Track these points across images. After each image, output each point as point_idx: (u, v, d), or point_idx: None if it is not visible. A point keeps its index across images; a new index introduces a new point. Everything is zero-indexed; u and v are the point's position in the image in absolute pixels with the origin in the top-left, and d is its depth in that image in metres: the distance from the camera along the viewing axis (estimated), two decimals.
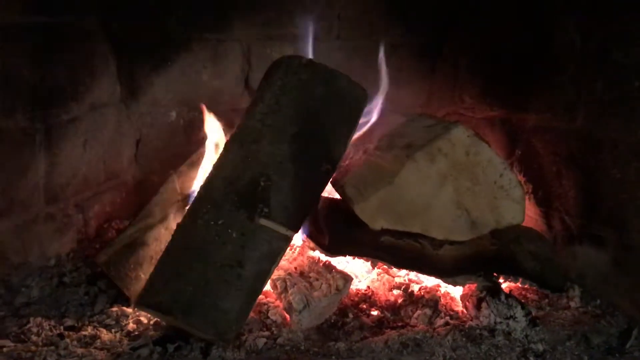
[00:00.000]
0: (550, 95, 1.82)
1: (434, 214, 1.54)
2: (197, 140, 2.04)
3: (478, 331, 1.52)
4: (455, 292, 1.70)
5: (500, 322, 1.53)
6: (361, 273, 1.78)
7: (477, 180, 1.54)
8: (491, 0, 2.04)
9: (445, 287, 1.71)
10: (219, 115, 1.93)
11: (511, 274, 1.62)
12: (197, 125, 2.10)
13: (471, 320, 1.57)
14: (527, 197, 1.90)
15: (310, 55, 1.89)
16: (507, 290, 1.66)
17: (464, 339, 1.48)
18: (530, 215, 1.91)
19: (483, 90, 2.10)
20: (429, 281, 1.73)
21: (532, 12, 1.87)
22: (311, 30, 2.00)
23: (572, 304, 1.69)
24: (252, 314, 1.51)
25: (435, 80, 2.30)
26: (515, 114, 1.97)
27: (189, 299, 1.36)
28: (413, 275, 1.76)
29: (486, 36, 2.07)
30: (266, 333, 1.47)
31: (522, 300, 1.65)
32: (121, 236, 1.67)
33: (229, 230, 1.40)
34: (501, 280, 1.65)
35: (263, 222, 1.41)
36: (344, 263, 1.78)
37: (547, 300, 1.71)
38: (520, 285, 1.70)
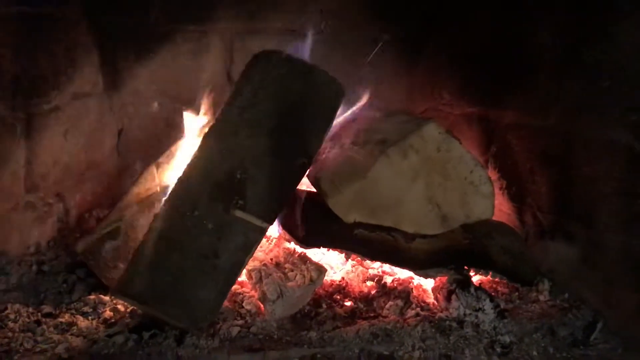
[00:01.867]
0: (525, 94, 1.86)
1: (405, 208, 1.58)
2: (178, 131, 2.07)
3: (447, 322, 1.56)
4: (427, 284, 1.74)
5: (470, 314, 1.57)
6: (336, 265, 1.82)
7: (448, 175, 1.58)
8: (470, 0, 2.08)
9: (418, 280, 1.75)
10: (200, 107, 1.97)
11: (482, 268, 1.67)
12: (179, 116, 2.13)
13: (441, 311, 1.61)
14: (501, 192, 1.95)
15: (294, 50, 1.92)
16: (478, 284, 1.70)
17: (433, 330, 1.53)
18: (504, 211, 1.95)
19: (461, 87, 2.13)
20: (402, 273, 1.77)
21: (509, 12, 1.91)
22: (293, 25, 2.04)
23: (542, 297, 1.72)
24: (227, 304, 1.55)
25: (416, 76, 2.32)
26: (492, 111, 2.00)
27: (164, 288, 1.40)
28: (387, 267, 1.80)
29: (465, 34, 2.10)
30: (240, 322, 1.51)
31: (493, 294, 1.70)
32: (100, 225, 1.70)
33: (205, 222, 1.44)
34: (472, 274, 1.69)
35: (239, 214, 1.45)
36: (320, 255, 1.82)
37: (517, 294, 1.74)
38: (491, 279, 1.74)
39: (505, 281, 1.73)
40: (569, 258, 1.74)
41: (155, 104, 2.17)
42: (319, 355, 1.41)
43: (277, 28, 2.16)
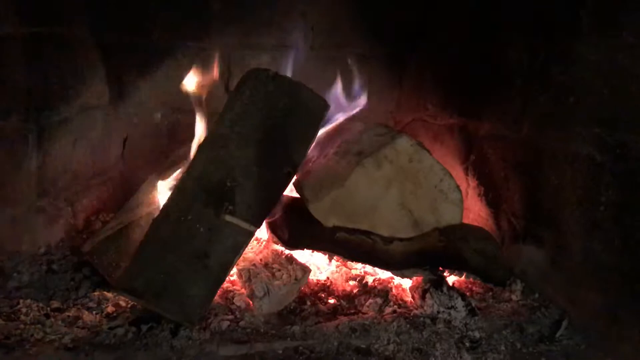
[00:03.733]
0: (501, 107, 1.97)
1: (380, 213, 1.71)
2: (178, 140, 2.21)
3: (421, 319, 1.67)
4: (406, 284, 1.85)
5: (442, 311, 1.68)
6: (322, 265, 1.94)
7: (419, 184, 1.71)
8: (450, 18, 2.21)
9: (398, 280, 1.86)
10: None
11: (456, 269, 1.78)
12: (179, 126, 2.28)
13: (417, 309, 1.72)
14: (479, 199, 2.07)
15: (287, 65, 2.06)
16: (455, 284, 1.82)
17: (407, 326, 1.63)
18: (482, 216, 2.07)
19: (444, 99, 2.25)
20: (383, 274, 1.89)
21: (487, 30, 2.03)
22: (286, 41, 2.18)
23: (514, 297, 1.82)
24: (219, 300, 1.68)
25: (403, 89, 2.46)
26: (471, 122, 2.12)
27: (160, 285, 1.53)
28: (369, 268, 1.91)
29: (446, 50, 2.22)
30: (230, 317, 1.63)
31: (468, 293, 1.81)
32: (105, 228, 1.83)
33: (198, 225, 1.57)
34: (447, 274, 1.80)
35: (228, 218, 1.58)
36: (307, 256, 1.95)
37: (491, 294, 1.84)
38: (468, 280, 1.86)
39: (480, 282, 1.85)
40: (538, 260, 1.84)
41: (158, 115, 2.30)
42: (300, 348, 1.52)
43: (271, 44, 2.29)
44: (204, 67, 2.25)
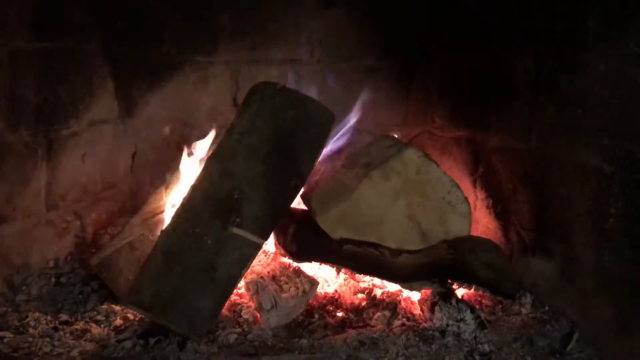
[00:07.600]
0: (508, 118, 1.97)
1: (388, 225, 1.71)
2: (187, 154, 2.22)
3: (430, 332, 1.65)
4: (415, 297, 1.84)
5: (452, 324, 1.66)
6: (330, 278, 1.94)
7: (427, 196, 1.71)
8: (457, 30, 2.21)
9: (407, 293, 1.85)
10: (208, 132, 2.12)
11: (465, 281, 1.77)
12: (189, 140, 2.29)
13: (426, 322, 1.71)
14: (487, 211, 2.06)
15: (294, 78, 2.08)
16: (464, 297, 1.81)
17: (416, 339, 1.62)
18: (491, 228, 2.06)
19: (451, 111, 2.25)
20: (392, 287, 1.87)
21: (494, 42, 2.03)
22: (294, 55, 2.19)
23: (524, 310, 1.81)
24: (226, 313, 1.68)
25: (410, 102, 2.46)
26: (479, 134, 2.11)
27: (167, 298, 1.53)
28: (377, 280, 1.91)
29: (453, 62, 2.23)
30: (238, 330, 1.63)
31: (477, 306, 1.79)
32: (113, 241, 1.84)
33: (205, 238, 1.58)
34: (455, 287, 1.79)
35: (235, 230, 1.59)
36: (315, 268, 1.94)
37: (500, 306, 1.83)
38: (478, 293, 1.84)
39: (489, 294, 1.83)
40: (548, 273, 1.83)
41: (167, 129, 2.31)
42: None
43: (279, 58, 2.31)
44: (212, 81, 2.29)
